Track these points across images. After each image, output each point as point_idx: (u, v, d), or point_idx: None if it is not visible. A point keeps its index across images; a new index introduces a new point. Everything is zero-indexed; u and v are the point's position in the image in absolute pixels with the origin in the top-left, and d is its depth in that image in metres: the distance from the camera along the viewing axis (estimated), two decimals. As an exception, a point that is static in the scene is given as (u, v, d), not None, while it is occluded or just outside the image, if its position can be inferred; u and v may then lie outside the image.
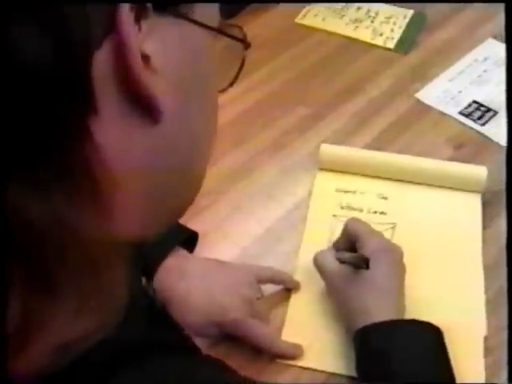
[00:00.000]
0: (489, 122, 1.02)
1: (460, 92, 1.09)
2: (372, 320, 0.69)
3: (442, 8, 1.26)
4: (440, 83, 1.10)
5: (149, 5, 0.32)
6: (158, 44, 0.34)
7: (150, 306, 0.56)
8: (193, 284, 0.76)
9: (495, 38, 1.18)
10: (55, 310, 0.32)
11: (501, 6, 1.23)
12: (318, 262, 0.78)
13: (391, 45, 1.19)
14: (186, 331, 0.63)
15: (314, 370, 0.74)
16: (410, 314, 0.72)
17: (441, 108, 1.06)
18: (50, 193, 0.30)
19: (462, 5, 1.26)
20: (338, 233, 0.81)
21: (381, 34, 1.22)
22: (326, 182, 0.94)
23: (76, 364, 0.33)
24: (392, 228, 0.88)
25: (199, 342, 0.67)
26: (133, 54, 0.32)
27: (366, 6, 1.28)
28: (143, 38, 0.32)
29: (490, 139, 1.00)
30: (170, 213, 0.44)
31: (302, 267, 0.83)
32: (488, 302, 0.79)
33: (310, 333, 0.77)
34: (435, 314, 0.74)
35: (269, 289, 0.81)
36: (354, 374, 0.71)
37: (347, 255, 0.75)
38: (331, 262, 0.76)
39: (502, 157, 0.96)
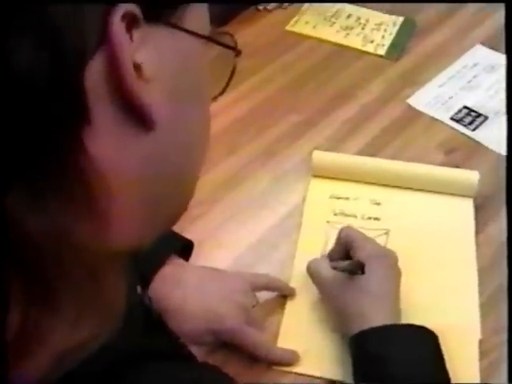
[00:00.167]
0: (479, 127, 1.03)
1: (451, 97, 1.09)
2: (368, 325, 0.69)
3: (431, 14, 1.27)
4: (431, 89, 1.11)
5: (140, 14, 0.33)
6: (150, 53, 0.34)
7: (146, 315, 0.56)
8: (189, 292, 0.76)
9: (483, 44, 1.19)
10: (54, 320, 0.32)
11: (489, 12, 1.25)
12: (311, 270, 0.78)
13: (382, 51, 1.20)
14: (182, 339, 0.63)
15: (311, 377, 0.74)
16: (405, 319, 0.72)
17: (432, 113, 1.07)
18: (46, 204, 0.31)
19: (451, 10, 1.27)
20: (332, 239, 0.82)
21: (371, 41, 1.22)
22: (319, 189, 0.95)
23: (74, 373, 0.34)
24: (386, 234, 0.88)
25: (196, 350, 0.67)
26: (125, 64, 0.32)
27: (356, 13, 1.29)
28: (136, 47, 0.33)
29: (480, 144, 1.01)
30: (165, 220, 0.44)
31: (297, 274, 0.83)
32: (482, 306, 0.80)
33: (305, 339, 0.78)
34: (430, 318, 0.74)
35: (264, 296, 0.81)
36: (350, 379, 0.71)
37: (342, 264, 0.75)
38: (325, 269, 0.76)
39: (493, 161, 0.97)
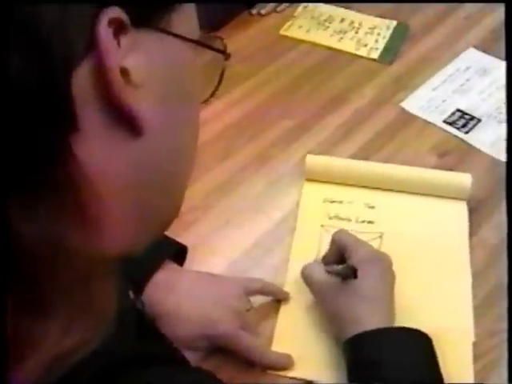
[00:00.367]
0: (472, 130, 1.03)
1: (444, 101, 1.10)
2: (361, 329, 0.69)
3: (424, 18, 1.28)
4: (424, 92, 1.11)
5: (127, 20, 0.33)
6: (139, 59, 0.34)
7: (138, 320, 0.56)
8: (183, 297, 0.76)
9: (476, 47, 1.20)
10: (46, 326, 0.32)
11: (482, 16, 1.25)
12: (305, 274, 0.78)
13: (375, 55, 1.20)
14: (175, 344, 0.63)
15: (305, 381, 0.74)
16: (399, 322, 0.72)
17: (425, 117, 1.07)
18: (37, 211, 0.31)
19: (444, 14, 1.27)
20: (326, 243, 0.82)
21: (365, 45, 1.23)
22: (313, 193, 0.95)
23: (67, 378, 0.34)
24: (380, 237, 0.88)
25: (190, 355, 0.67)
26: (112, 71, 0.32)
27: (349, 17, 1.30)
28: (124, 53, 0.33)
29: (473, 147, 1.01)
30: (156, 226, 0.44)
31: (291, 278, 0.83)
32: (476, 308, 0.80)
33: (300, 343, 0.77)
34: (424, 321, 0.74)
35: (258, 300, 0.81)
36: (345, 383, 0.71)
37: (335, 268, 0.75)
38: (319, 274, 0.76)
39: (486, 164, 0.98)
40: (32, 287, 0.31)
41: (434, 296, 0.82)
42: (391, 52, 1.21)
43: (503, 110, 1.06)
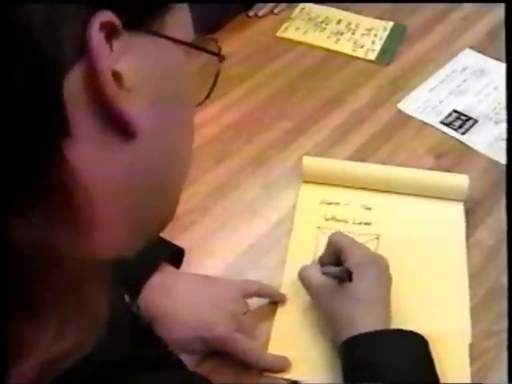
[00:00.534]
0: (469, 131, 1.03)
1: (441, 102, 1.10)
2: (358, 331, 0.69)
3: (420, 20, 1.28)
4: (421, 93, 1.11)
5: (119, 24, 0.32)
6: (131, 62, 0.34)
7: (134, 323, 0.56)
8: (179, 300, 0.76)
9: (473, 48, 1.20)
10: (38, 330, 0.32)
11: (478, 17, 1.25)
12: (302, 276, 0.78)
13: (372, 56, 1.20)
14: (172, 347, 0.63)
15: (302, 383, 0.74)
16: (395, 324, 0.72)
17: (422, 118, 1.07)
18: (30, 216, 0.31)
19: (440, 15, 1.27)
20: (323, 245, 0.82)
21: (362, 46, 1.23)
22: (310, 195, 0.95)
23: (60, 382, 0.34)
24: (376, 238, 0.88)
25: (186, 358, 0.67)
26: (104, 75, 0.32)
27: (346, 18, 1.30)
28: (116, 57, 0.33)
29: (470, 148, 1.01)
30: (150, 229, 0.44)
31: (288, 280, 0.83)
32: (472, 310, 0.80)
33: (296, 345, 0.77)
34: (421, 322, 0.74)
35: (255, 302, 0.81)
36: (341, 385, 0.71)
37: (331, 269, 0.75)
38: (316, 276, 0.76)
39: (483, 165, 0.98)
40: (24, 290, 0.31)
41: (431, 297, 0.81)
42: (388, 53, 1.21)
43: (500, 110, 1.06)
